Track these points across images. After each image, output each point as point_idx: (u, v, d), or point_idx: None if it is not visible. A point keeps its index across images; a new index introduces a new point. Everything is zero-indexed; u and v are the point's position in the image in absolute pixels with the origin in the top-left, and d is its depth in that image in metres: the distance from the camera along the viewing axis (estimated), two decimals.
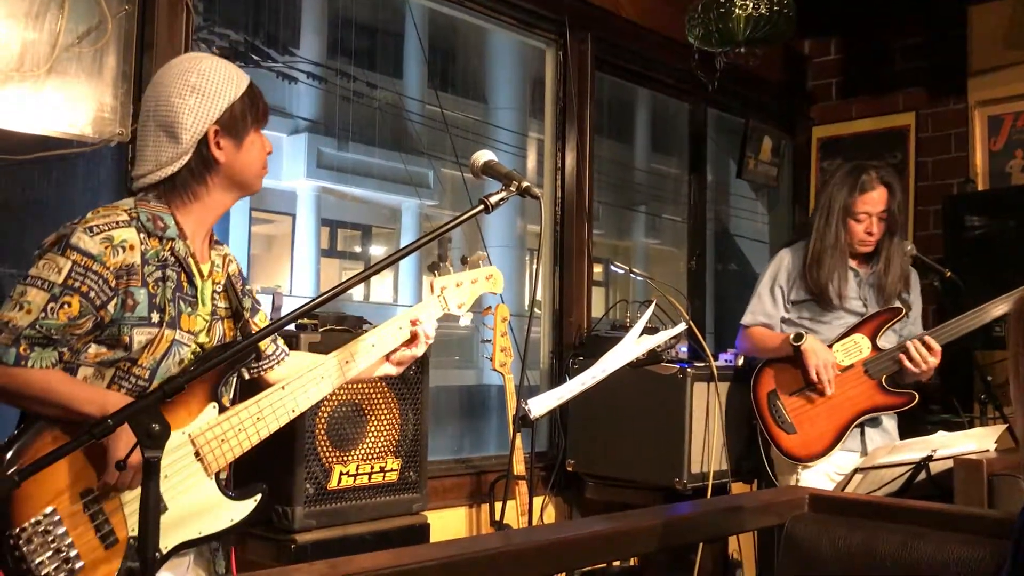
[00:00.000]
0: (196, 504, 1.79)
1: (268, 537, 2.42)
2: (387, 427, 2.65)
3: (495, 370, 3.12)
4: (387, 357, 2.08)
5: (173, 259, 1.82)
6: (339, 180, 10.32)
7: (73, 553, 1.66)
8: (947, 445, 2.65)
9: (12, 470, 1.61)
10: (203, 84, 1.82)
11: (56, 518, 1.66)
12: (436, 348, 2.80)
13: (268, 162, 1.96)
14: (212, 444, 1.80)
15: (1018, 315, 1.49)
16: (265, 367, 2.06)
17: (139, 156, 1.86)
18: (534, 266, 3.23)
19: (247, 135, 1.87)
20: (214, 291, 1.91)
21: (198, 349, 1.84)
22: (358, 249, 12.66)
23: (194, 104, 1.81)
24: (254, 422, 1.84)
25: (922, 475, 2.66)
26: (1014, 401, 1.51)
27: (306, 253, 11.00)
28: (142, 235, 1.77)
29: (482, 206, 1.77)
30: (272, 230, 11.51)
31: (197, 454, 1.79)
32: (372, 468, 2.59)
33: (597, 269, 4.99)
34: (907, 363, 3.07)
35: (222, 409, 1.84)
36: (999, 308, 3.04)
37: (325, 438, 2.49)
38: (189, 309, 1.83)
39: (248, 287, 2.04)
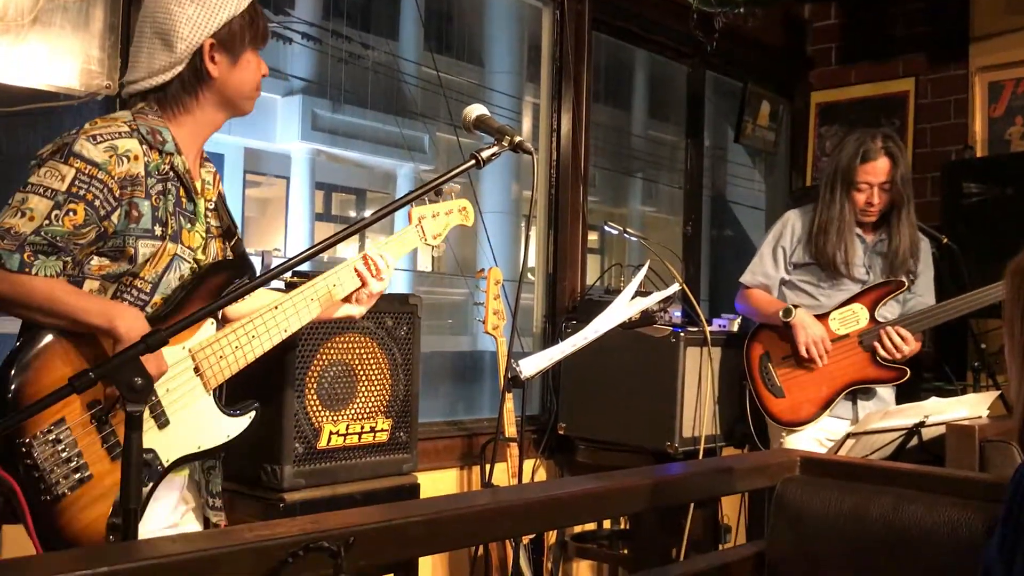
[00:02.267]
0: (195, 419, 1.81)
1: (256, 496, 2.41)
2: (378, 387, 2.63)
3: (487, 333, 3.11)
4: (348, 299, 2.03)
5: (172, 173, 1.82)
6: (334, 143, 10.25)
7: (82, 462, 1.68)
8: (940, 411, 2.65)
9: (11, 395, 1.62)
10: None
11: (65, 427, 1.66)
12: (430, 313, 2.78)
13: (261, 94, 1.94)
14: (211, 360, 1.81)
15: (1012, 276, 1.47)
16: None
17: (132, 62, 1.85)
18: (530, 228, 3.20)
19: (243, 53, 1.86)
20: (207, 208, 1.91)
21: (195, 266, 1.85)
22: (353, 213, 12.61)
23: (192, 14, 1.79)
24: (249, 340, 1.84)
25: (914, 441, 2.66)
26: (1009, 366, 1.49)
27: (300, 217, 10.95)
28: (144, 147, 1.76)
29: (473, 160, 1.76)
30: (266, 193, 11.45)
31: (196, 369, 1.80)
32: (362, 428, 2.57)
33: (593, 236, 4.96)
34: (879, 348, 3.07)
35: (220, 326, 1.85)
36: (991, 296, 3.02)
37: (315, 397, 2.47)
38: (189, 225, 1.84)
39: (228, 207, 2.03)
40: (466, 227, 2.22)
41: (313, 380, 2.48)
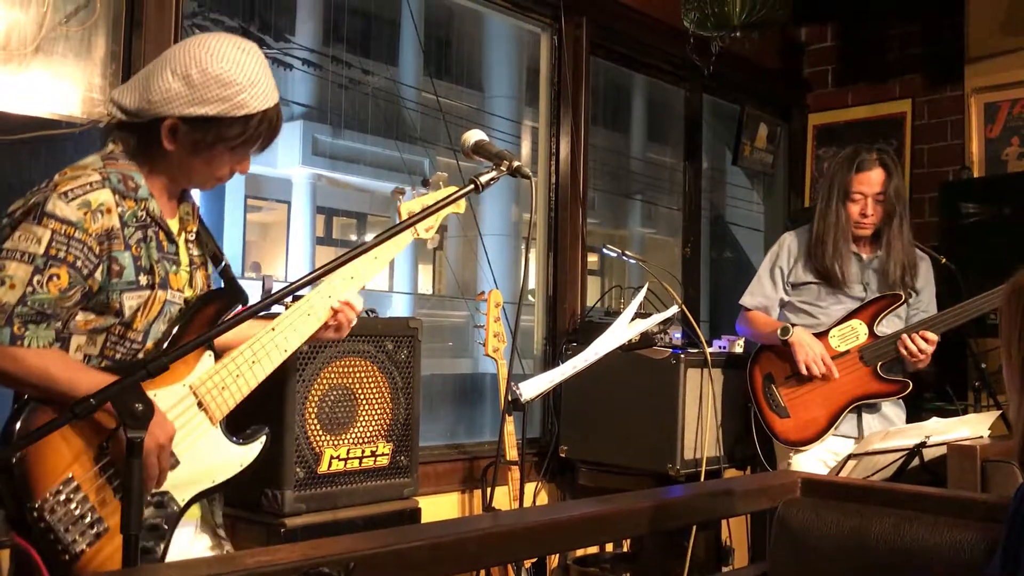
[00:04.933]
0: (206, 454, 1.80)
1: (257, 521, 2.41)
2: (378, 411, 2.63)
3: (488, 355, 3.11)
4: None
5: (150, 219, 1.78)
6: (334, 167, 10.29)
7: (96, 516, 1.65)
8: (941, 431, 2.64)
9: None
10: (199, 81, 1.70)
11: (75, 485, 1.64)
12: (430, 336, 2.78)
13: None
14: (213, 393, 1.78)
15: (1009, 300, 1.48)
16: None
17: (129, 80, 1.82)
18: (529, 251, 3.24)
19: (212, 151, 1.76)
20: (188, 240, 1.89)
21: (184, 305, 1.83)
22: (354, 237, 12.65)
23: (175, 89, 1.70)
24: (250, 366, 1.82)
25: (915, 461, 2.66)
26: (1008, 386, 1.50)
27: (301, 241, 10.97)
28: (116, 196, 1.71)
29: (472, 185, 1.76)
30: (267, 217, 11.48)
31: (200, 404, 1.78)
32: (363, 452, 2.57)
33: (592, 258, 4.97)
34: (903, 351, 3.05)
35: (218, 357, 1.83)
36: (990, 302, 3.01)
37: (315, 421, 2.47)
38: (174, 268, 1.82)
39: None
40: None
41: (314, 404, 2.48)
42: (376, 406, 2.62)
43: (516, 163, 1.82)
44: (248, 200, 10.82)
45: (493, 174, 1.79)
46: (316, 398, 2.49)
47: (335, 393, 2.53)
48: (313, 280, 1.61)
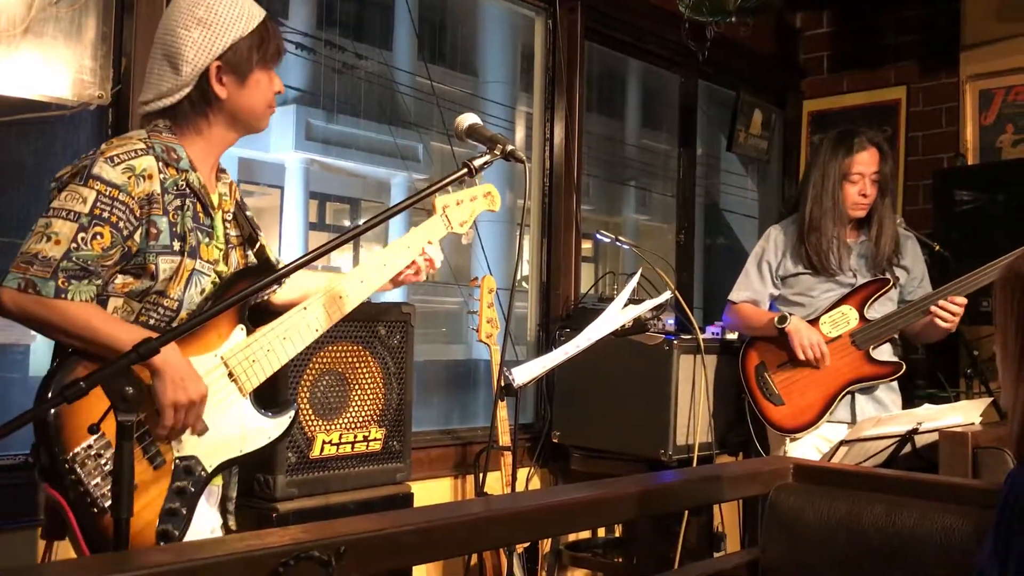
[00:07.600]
0: (234, 424, 1.83)
1: (249, 506, 2.40)
2: (371, 396, 2.63)
3: (481, 341, 3.10)
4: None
5: (189, 190, 1.83)
6: (327, 152, 10.24)
7: None
8: (933, 418, 2.65)
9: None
10: (210, 18, 1.80)
11: (105, 441, 1.67)
12: (423, 321, 2.77)
13: (273, 102, 1.94)
14: (244, 365, 1.83)
15: (1003, 285, 1.48)
16: (269, 292, 2.08)
17: (145, 83, 1.87)
18: (523, 236, 3.22)
19: (252, 73, 1.85)
20: (225, 219, 1.93)
21: (217, 279, 1.87)
22: (347, 223, 12.61)
23: (198, 37, 1.80)
24: (281, 342, 1.86)
25: (907, 448, 2.66)
26: (1001, 374, 1.50)
27: (294, 226, 10.92)
28: (160, 164, 1.78)
29: (465, 169, 1.76)
30: (260, 203, 11.42)
31: (230, 375, 1.82)
32: (355, 437, 2.57)
33: (587, 244, 4.96)
34: (940, 323, 3.02)
35: (250, 331, 1.87)
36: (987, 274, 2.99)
37: (307, 406, 2.47)
38: (207, 239, 1.86)
39: (249, 213, 2.06)
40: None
41: (306, 389, 2.47)
42: (369, 391, 2.62)
43: (510, 147, 1.82)
44: (241, 185, 10.77)
45: (487, 158, 1.80)
46: (308, 383, 2.48)
47: (327, 378, 2.53)
48: (306, 263, 1.60)
